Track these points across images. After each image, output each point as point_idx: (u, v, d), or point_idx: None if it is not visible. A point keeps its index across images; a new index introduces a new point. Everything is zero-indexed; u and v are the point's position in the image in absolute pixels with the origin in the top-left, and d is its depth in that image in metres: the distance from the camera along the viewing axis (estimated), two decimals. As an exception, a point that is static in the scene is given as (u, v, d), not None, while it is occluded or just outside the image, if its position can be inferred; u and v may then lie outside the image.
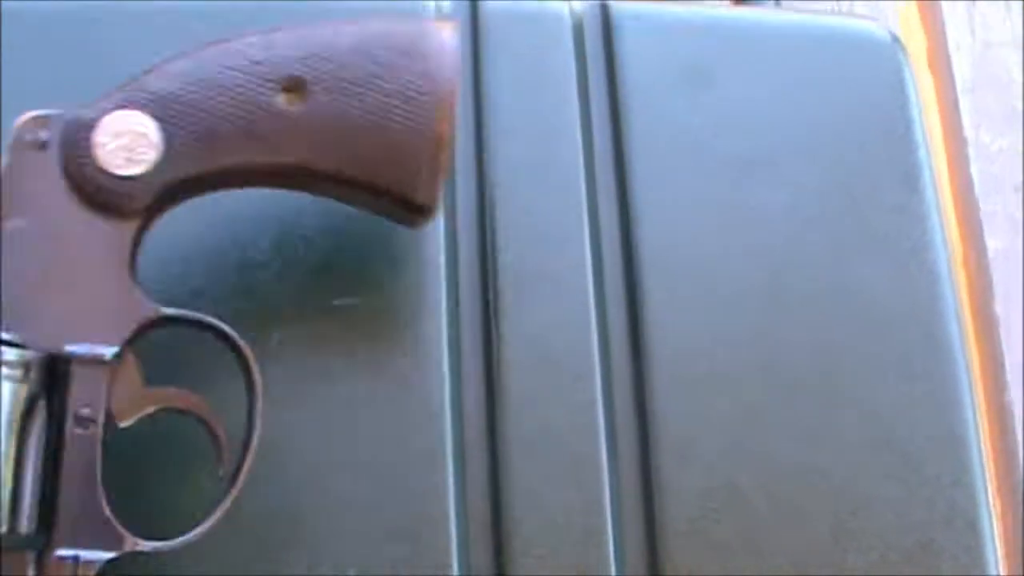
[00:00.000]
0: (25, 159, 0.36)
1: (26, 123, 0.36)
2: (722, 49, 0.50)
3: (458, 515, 0.42)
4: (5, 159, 0.36)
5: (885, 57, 0.54)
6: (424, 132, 0.38)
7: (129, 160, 0.36)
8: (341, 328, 0.44)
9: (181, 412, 0.37)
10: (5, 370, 0.33)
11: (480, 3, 0.50)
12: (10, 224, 0.36)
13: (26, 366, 0.34)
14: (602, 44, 0.50)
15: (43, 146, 0.36)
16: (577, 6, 0.51)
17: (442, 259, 0.45)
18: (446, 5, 0.50)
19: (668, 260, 0.47)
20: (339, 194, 0.41)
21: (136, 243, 0.37)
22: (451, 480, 0.43)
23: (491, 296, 0.45)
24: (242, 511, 0.38)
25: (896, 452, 0.45)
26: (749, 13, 0.54)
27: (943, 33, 1.03)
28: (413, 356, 0.44)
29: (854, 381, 0.46)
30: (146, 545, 0.36)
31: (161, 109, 0.37)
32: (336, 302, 0.44)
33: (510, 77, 0.49)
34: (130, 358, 0.37)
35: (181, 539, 0.36)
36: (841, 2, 0.95)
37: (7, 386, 0.33)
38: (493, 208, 0.46)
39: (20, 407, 0.34)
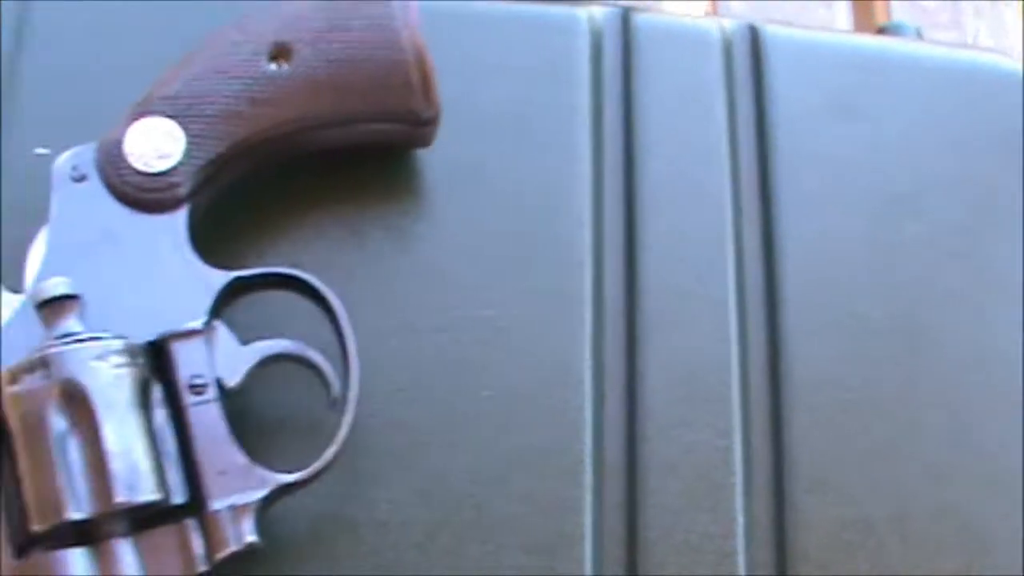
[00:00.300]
0: (73, 193, 0.40)
1: (62, 164, 0.40)
2: (867, 79, 0.50)
3: (594, 532, 0.43)
4: (54, 202, 0.40)
5: (1016, 91, 0.53)
6: (404, 49, 0.42)
7: (160, 158, 0.40)
8: (485, 344, 0.44)
9: (281, 359, 0.40)
10: (114, 359, 0.36)
11: (632, 16, 0.50)
12: (79, 249, 0.39)
13: (132, 354, 0.37)
14: (750, 66, 0.50)
15: (83, 178, 0.40)
16: (727, 25, 0.51)
17: (588, 277, 0.46)
18: (598, 16, 0.50)
19: (809, 289, 0.47)
20: (351, 137, 0.44)
21: (192, 227, 0.41)
22: (589, 497, 0.43)
23: (635, 316, 0.45)
24: (377, 518, 0.38)
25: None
26: (894, 44, 0.54)
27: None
28: (557, 374, 0.44)
29: (984, 420, 0.47)
30: (290, 477, 0.38)
31: (172, 108, 0.41)
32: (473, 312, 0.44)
33: (660, 93, 0.49)
34: (219, 325, 0.40)
35: (315, 466, 0.38)
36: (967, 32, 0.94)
37: (121, 375, 0.36)
38: (640, 226, 0.47)
39: (137, 392, 0.37)
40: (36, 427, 0.35)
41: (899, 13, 0.89)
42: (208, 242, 0.42)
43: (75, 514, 0.35)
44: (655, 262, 0.46)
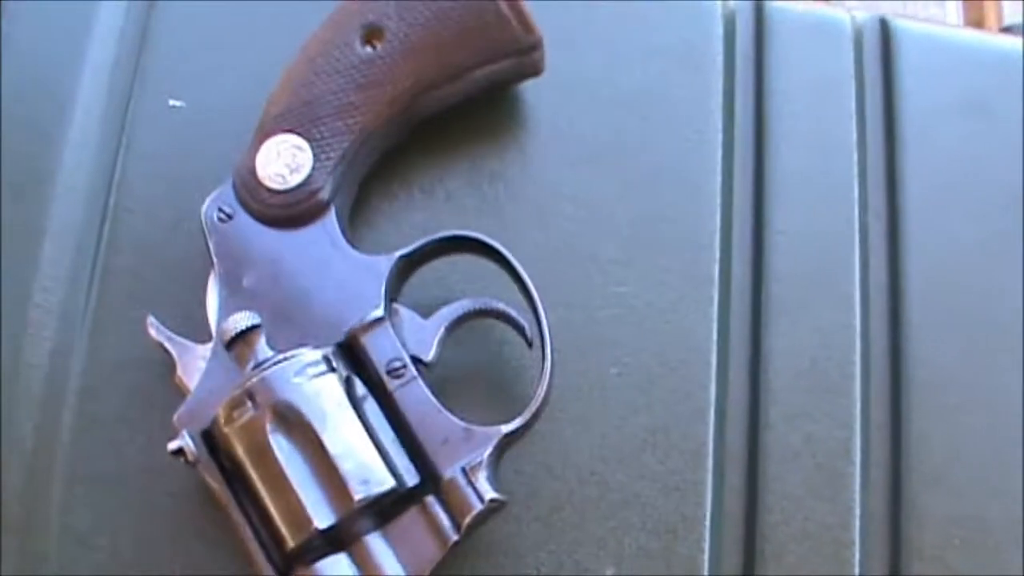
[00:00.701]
0: (226, 233, 0.41)
1: (208, 211, 0.41)
2: (996, 77, 0.50)
3: (713, 515, 0.43)
4: (212, 247, 0.41)
5: None
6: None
7: (293, 172, 0.41)
8: (617, 321, 0.44)
9: (465, 320, 0.41)
10: (311, 371, 0.37)
11: (765, 4, 0.50)
12: (247, 281, 0.41)
13: (326, 360, 0.38)
14: (881, 59, 0.50)
15: (230, 216, 0.41)
16: (859, 17, 0.50)
17: (716, 260, 0.46)
18: (732, 5, 0.50)
19: (933, 285, 0.47)
20: (466, 89, 0.44)
21: (342, 227, 0.42)
22: (710, 480, 0.43)
23: (761, 302, 0.46)
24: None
25: None
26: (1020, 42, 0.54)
27: None
28: (684, 355, 0.44)
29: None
30: (510, 426, 0.39)
31: (289, 121, 0.42)
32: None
33: (791, 81, 0.49)
34: (399, 307, 0.41)
35: (530, 408, 0.39)
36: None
37: (323, 382, 0.37)
38: (768, 213, 0.47)
39: (343, 393, 0.38)
40: (262, 454, 0.36)
41: (1010, 11, 0.88)
42: (355, 233, 0.43)
43: (323, 523, 0.36)
44: (783, 249, 0.46)
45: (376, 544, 0.37)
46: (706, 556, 0.43)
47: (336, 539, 0.36)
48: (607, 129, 0.46)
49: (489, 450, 0.38)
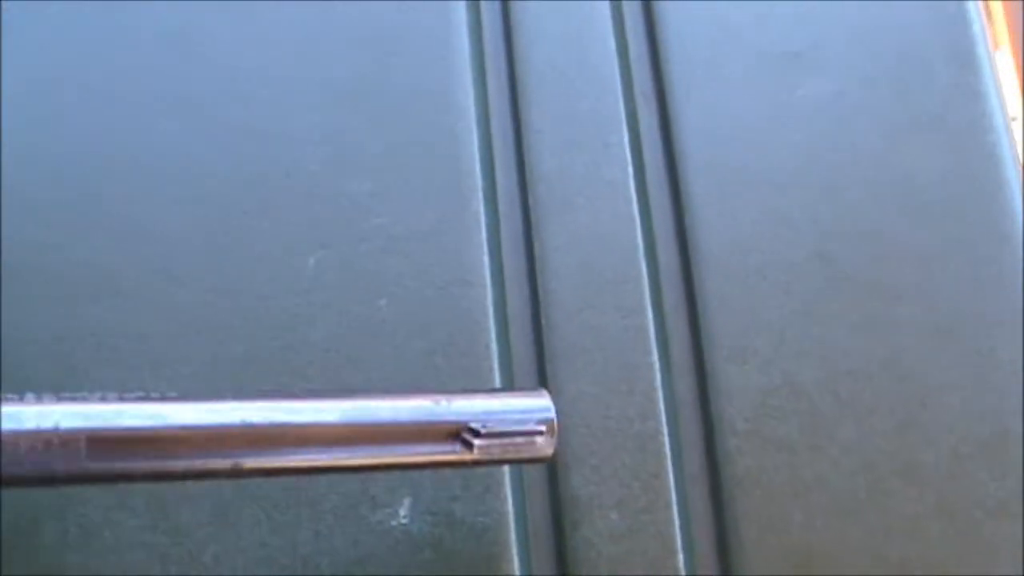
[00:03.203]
0: None
1: None
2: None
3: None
4: None
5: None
6: None
7: None
8: (376, 265, 0.43)
9: None
10: None
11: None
12: None
13: None
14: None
15: None
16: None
17: (478, 178, 0.44)
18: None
19: (711, 152, 0.45)
20: None
21: None
22: (499, 385, 0.42)
23: (530, 208, 0.44)
24: None
25: (962, 339, 0.43)
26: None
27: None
28: (455, 277, 0.43)
29: (913, 269, 0.44)
30: None
31: None
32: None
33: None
34: None
35: None
36: None
37: None
38: (526, 115, 0.45)
39: None
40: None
41: None
42: None
43: None
44: (545, 148, 0.45)
45: None
46: (505, 468, 0.41)
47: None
48: (348, 68, 0.45)
49: None
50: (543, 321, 0.43)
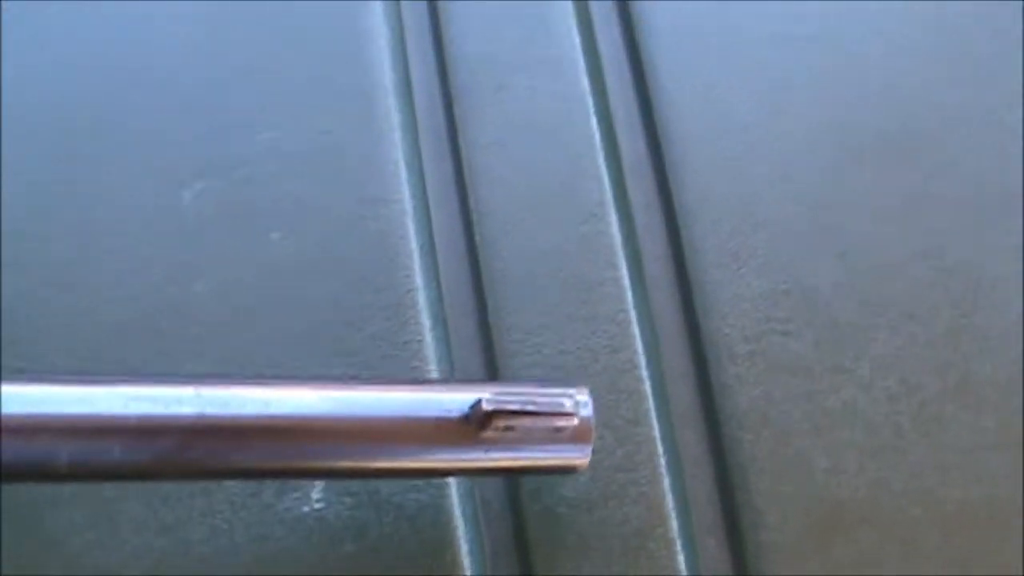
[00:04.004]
0: None
1: None
2: None
3: (438, 337, 0.33)
4: None
5: None
6: None
7: None
8: (268, 192, 0.34)
9: None
10: None
11: None
12: None
13: None
14: None
15: None
16: None
17: (390, 83, 0.35)
18: None
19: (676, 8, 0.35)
20: None
21: None
22: (425, 310, 0.33)
23: (452, 94, 0.35)
24: None
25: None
26: None
27: None
28: (371, 196, 0.34)
29: (955, 133, 0.35)
30: None
31: None
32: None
33: None
34: None
35: None
36: None
37: None
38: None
39: None
40: None
41: None
42: None
43: None
44: (469, 24, 0.36)
45: None
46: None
47: None
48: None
49: None
50: (478, 240, 0.34)
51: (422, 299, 0.33)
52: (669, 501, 0.32)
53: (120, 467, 0.25)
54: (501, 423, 0.26)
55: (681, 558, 0.31)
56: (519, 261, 0.33)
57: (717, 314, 0.33)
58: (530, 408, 0.26)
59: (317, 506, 0.32)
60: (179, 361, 0.32)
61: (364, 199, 0.34)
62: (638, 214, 0.34)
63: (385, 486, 0.32)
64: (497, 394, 0.26)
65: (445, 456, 0.27)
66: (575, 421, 0.27)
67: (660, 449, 0.32)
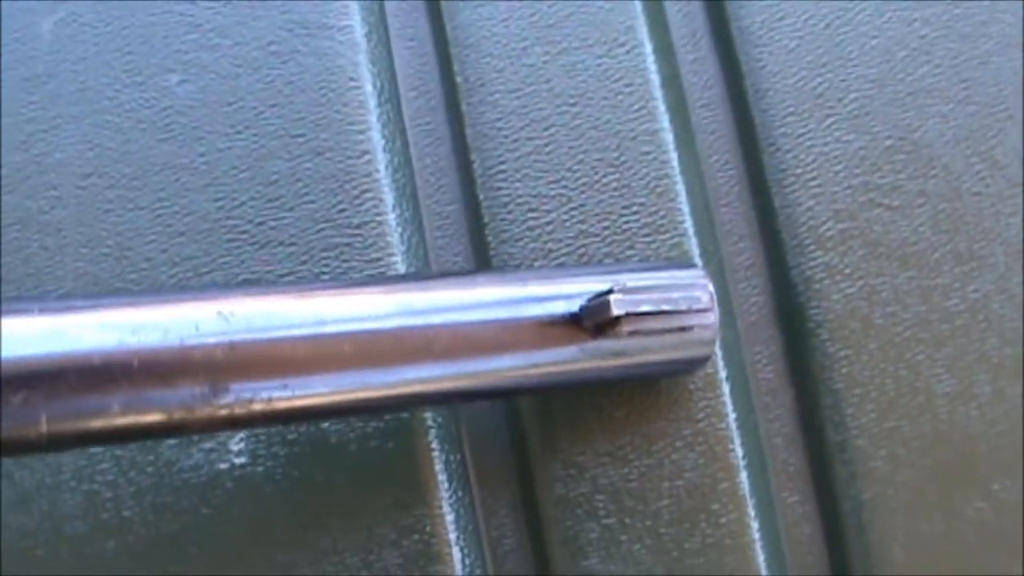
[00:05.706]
0: None
1: None
2: None
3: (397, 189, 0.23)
4: None
5: None
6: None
7: None
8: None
9: None
10: None
11: None
12: None
13: None
14: None
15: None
16: None
17: None
18: None
19: None
20: None
21: None
22: (381, 157, 0.23)
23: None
24: None
25: None
26: None
27: None
28: (309, 36, 0.24)
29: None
30: None
31: None
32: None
33: None
34: None
35: None
36: None
37: None
38: None
39: None
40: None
41: None
42: None
43: None
44: None
45: None
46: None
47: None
48: None
49: None
50: (458, 80, 0.24)
51: (381, 164, 0.23)
52: (737, 450, 0.22)
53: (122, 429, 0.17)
54: (626, 328, 0.19)
55: (755, 525, 0.22)
56: (516, 112, 0.23)
57: (796, 181, 0.23)
58: (665, 308, 0.20)
59: (238, 460, 0.22)
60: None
61: (321, 84, 0.24)
62: (680, 43, 0.24)
63: (325, 431, 0.22)
64: (622, 289, 0.19)
65: (550, 367, 0.20)
66: (711, 318, 0.21)
67: (722, 375, 0.23)
